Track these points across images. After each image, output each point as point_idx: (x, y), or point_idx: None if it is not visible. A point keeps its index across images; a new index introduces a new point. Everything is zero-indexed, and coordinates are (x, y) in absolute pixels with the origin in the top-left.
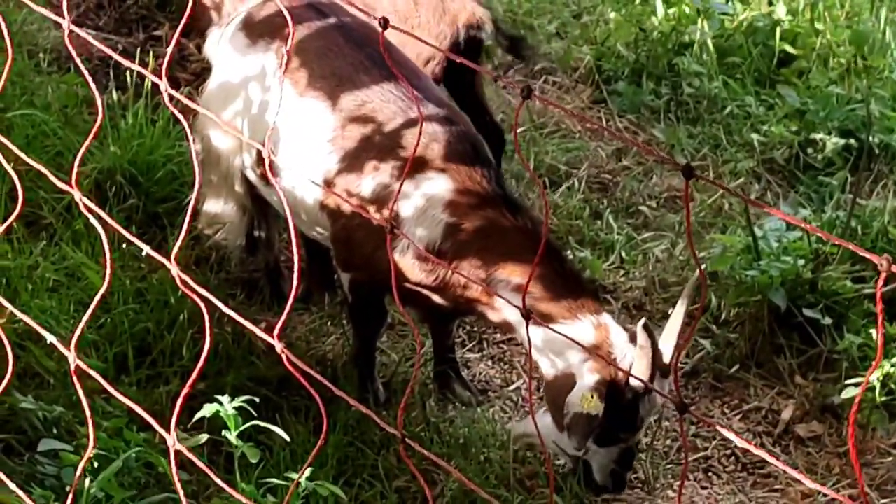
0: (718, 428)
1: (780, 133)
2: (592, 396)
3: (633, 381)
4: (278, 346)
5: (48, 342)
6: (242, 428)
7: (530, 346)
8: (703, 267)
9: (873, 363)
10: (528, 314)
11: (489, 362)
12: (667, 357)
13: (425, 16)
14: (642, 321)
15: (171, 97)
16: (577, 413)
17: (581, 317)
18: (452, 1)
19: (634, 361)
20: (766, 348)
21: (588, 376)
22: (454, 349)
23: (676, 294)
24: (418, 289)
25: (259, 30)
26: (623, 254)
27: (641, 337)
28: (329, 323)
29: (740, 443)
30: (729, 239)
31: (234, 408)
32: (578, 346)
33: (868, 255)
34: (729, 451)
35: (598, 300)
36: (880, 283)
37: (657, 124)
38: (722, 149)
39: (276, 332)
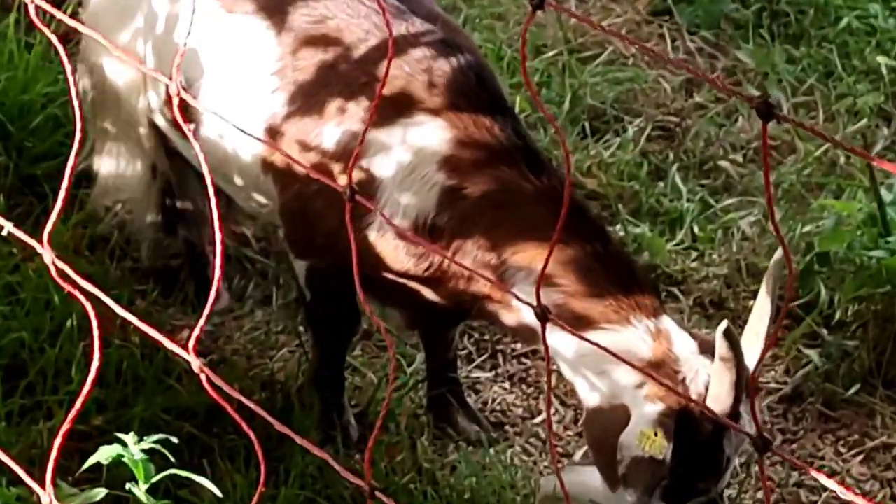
0: (815, 474)
1: None
2: (656, 434)
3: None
4: (195, 364)
5: None
6: (156, 479)
7: (549, 361)
8: (796, 243)
9: None
10: (543, 313)
11: (506, 384)
12: (752, 364)
13: None
14: (723, 325)
15: (43, 12)
16: (635, 458)
17: (633, 320)
18: None
19: (712, 381)
20: None
21: (646, 406)
22: (456, 366)
23: None
24: (403, 281)
25: None
26: (695, 228)
27: (722, 347)
28: (279, 331)
29: (849, 496)
30: (845, 206)
31: (144, 451)
32: (629, 364)
33: None
34: None
35: (657, 297)
36: None
37: (744, 44)
38: (836, 78)
39: (191, 343)
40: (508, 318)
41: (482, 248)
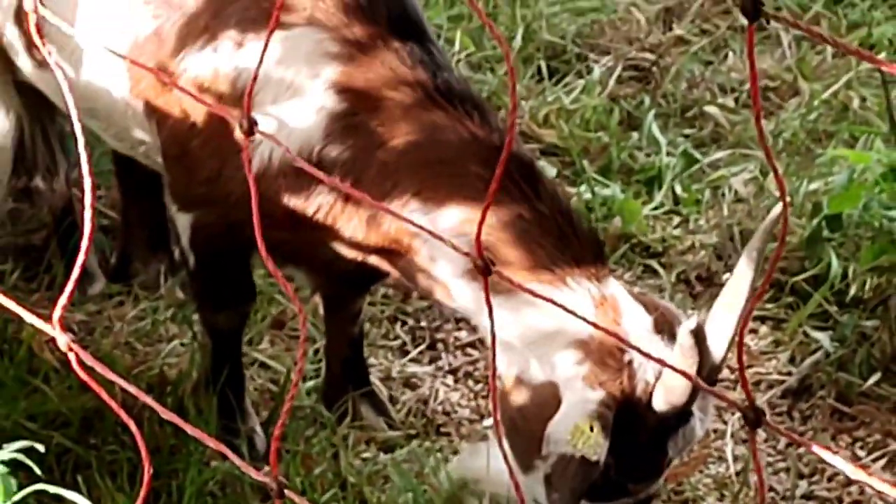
0: (818, 450)
1: None
2: (591, 429)
3: (658, 401)
4: (62, 340)
5: None
6: (19, 496)
7: (492, 319)
8: (800, 204)
9: None
10: (486, 265)
11: (449, 380)
12: (720, 347)
13: None
14: (692, 321)
15: None
16: (563, 456)
17: (571, 283)
18: None
19: (666, 371)
20: None
21: (584, 391)
22: (361, 344)
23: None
24: (294, 231)
25: None
26: (678, 189)
27: (685, 338)
28: (170, 317)
29: (884, 487)
30: (860, 157)
31: (4, 462)
32: (565, 333)
33: None
34: None
35: (601, 258)
36: None
37: None
38: (846, 5)
39: (56, 314)
40: (424, 280)
41: (383, 193)
